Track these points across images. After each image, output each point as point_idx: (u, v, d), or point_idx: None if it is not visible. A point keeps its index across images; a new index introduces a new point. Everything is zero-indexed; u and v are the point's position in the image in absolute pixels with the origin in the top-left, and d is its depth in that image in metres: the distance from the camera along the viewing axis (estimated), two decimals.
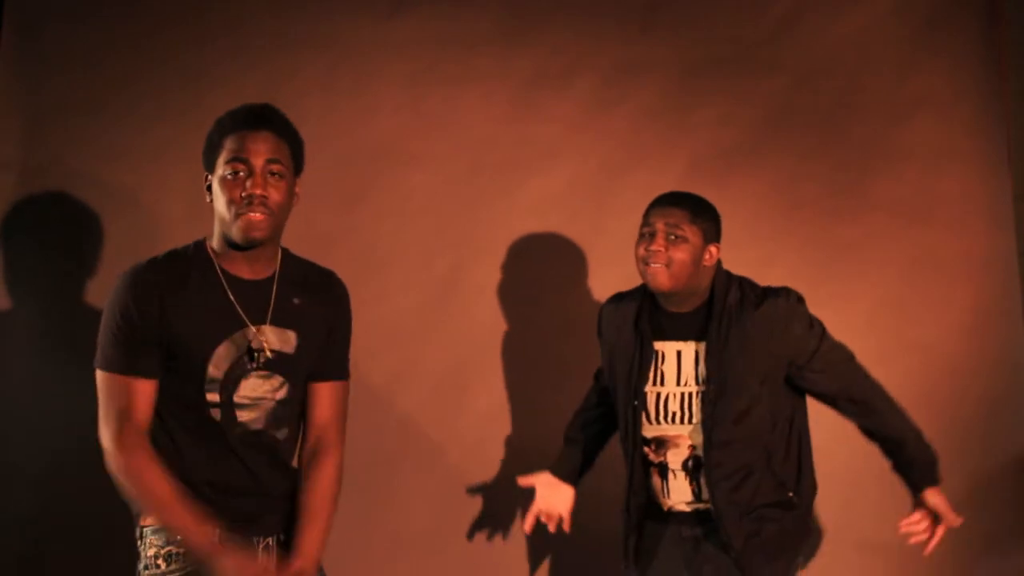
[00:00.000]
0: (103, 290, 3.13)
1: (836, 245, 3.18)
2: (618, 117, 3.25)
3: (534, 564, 3.12)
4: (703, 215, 2.45)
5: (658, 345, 2.47)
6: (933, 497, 2.53)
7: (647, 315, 2.50)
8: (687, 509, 2.46)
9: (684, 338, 2.45)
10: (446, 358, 3.18)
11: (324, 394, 2.13)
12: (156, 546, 2.05)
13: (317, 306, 2.10)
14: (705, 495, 2.41)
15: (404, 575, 3.09)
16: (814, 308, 3.11)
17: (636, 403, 2.46)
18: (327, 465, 2.10)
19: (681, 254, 2.39)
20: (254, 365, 2.02)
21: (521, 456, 3.14)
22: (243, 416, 2.03)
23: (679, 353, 2.46)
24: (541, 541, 3.08)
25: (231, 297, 2.02)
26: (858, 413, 2.52)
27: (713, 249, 2.45)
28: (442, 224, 3.22)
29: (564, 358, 3.15)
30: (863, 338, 3.09)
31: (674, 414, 2.43)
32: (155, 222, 3.19)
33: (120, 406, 1.98)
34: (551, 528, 2.64)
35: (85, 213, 3.18)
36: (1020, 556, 3.04)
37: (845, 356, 2.52)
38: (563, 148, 3.26)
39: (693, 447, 2.42)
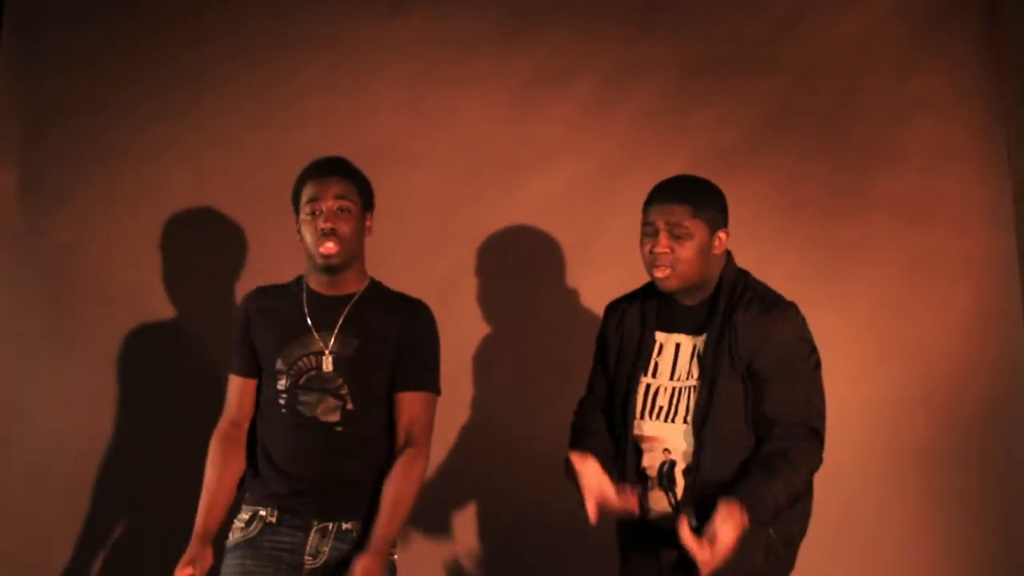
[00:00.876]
0: (103, 290, 3.16)
1: (836, 245, 3.18)
2: (618, 117, 3.25)
3: (534, 564, 3.12)
4: (707, 204, 2.32)
5: (660, 336, 2.36)
6: (726, 514, 2.07)
7: (654, 305, 2.39)
8: (668, 523, 2.24)
9: (686, 331, 2.34)
10: (446, 358, 3.17)
11: (402, 402, 2.42)
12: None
13: (388, 322, 2.43)
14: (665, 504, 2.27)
15: (404, 575, 3.09)
16: (814, 308, 3.10)
17: (631, 395, 2.33)
18: (400, 463, 2.37)
19: (687, 252, 2.26)
20: (314, 364, 2.39)
21: (521, 456, 3.14)
22: (303, 406, 2.37)
23: (678, 346, 2.34)
24: (541, 541, 3.08)
25: (304, 308, 2.43)
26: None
27: (722, 235, 2.33)
28: (442, 224, 3.22)
29: (565, 358, 3.14)
30: (863, 338, 3.11)
31: (661, 408, 2.30)
32: (155, 222, 3.19)
33: (227, 400, 2.49)
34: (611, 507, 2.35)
35: (85, 213, 3.18)
36: (1020, 556, 3.04)
37: (808, 376, 2.29)
38: (563, 148, 3.26)
39: (667, 451, 2.28)
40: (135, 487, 3.09)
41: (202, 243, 3.20)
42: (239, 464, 2.44)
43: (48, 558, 3.05)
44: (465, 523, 3.13)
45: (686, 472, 2.26)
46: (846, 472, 3.05)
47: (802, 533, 2.33)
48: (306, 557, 2.34)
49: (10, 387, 3.11)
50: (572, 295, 3.20)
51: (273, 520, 2.36)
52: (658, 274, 2.29)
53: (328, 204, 2.39)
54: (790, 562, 2.32)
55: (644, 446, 2.31)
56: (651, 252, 2.29)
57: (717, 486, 2.19)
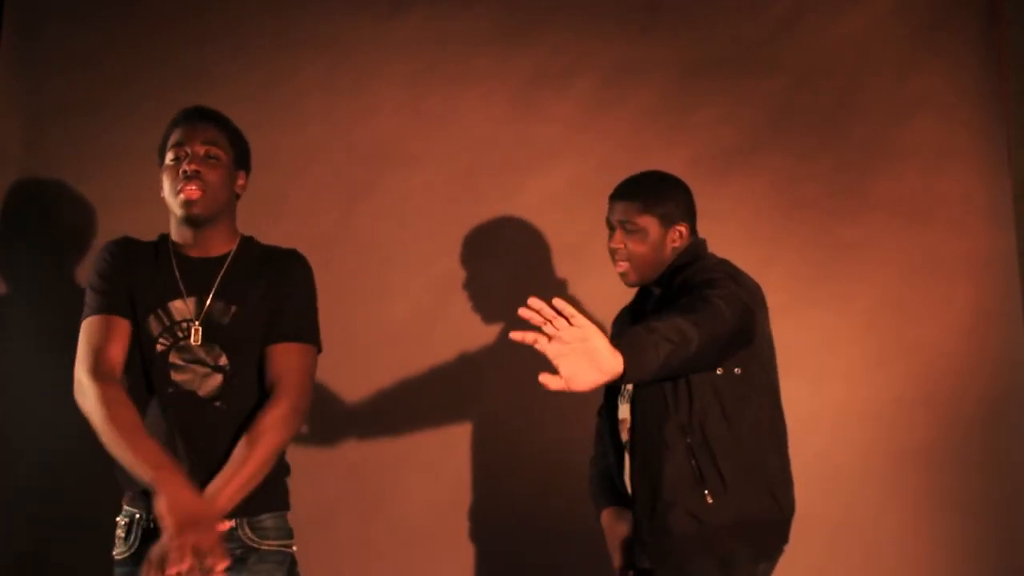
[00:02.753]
0: None
1: (836, 245, 3.18)
2: (618, 117, 3.25)
3: (535, 564, 3.12)
4: (659, 200, 2.39)
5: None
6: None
7: (641, 303, 2.51)
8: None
9: (642, 316, 2.44)
10: (446, 358, 3.18)
11: (272, 355, 2.17)
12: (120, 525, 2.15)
13: (264, 280, 2.20)
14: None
15: (404, 575, 3.09)
16: (814, 308, 3.13)
17: (614, 387, 2.41)
18: (264, 413, 2.09)
19: (639, 247, 2.38)
20: (185, 334, 2.14)
21: (522, 456, 3.14)
22: (176, 378, 2.13)
23: None
24: (542, 541, 3.08)
25: (176, 273, 2.19)
26: None
27: (681, 229, 2.40)
28: (442, 224, 3.22)
29: None
30: (863, 338, 3.11)
31: (626, 391, 2.40)
32: (155, 222, 3.18)
33: (96, 343, 2.16)
34: None
35: (85, 213, 3.18)
36: (1020, 556, 3.04)
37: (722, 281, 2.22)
38: (563, 148, 3.26)
39: (630, 429, 2.36)
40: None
41: None
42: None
43: (48, 558, 3.05)
44: (466, 523, 3.13)
45: (629, 442, 2.35)
46: (846, 472, 3.05)
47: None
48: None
49: (10, 387, 3.11)
50: (572, 295, 3.20)
51: (152, 526, 2.02)
52: (617, 269, 2.44)
53: (195, 148, 2.18)
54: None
55: (623, 427, 2.41)
56: (610, 248, 2.44)
57: (653, 458, 2.25)
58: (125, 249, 2.24)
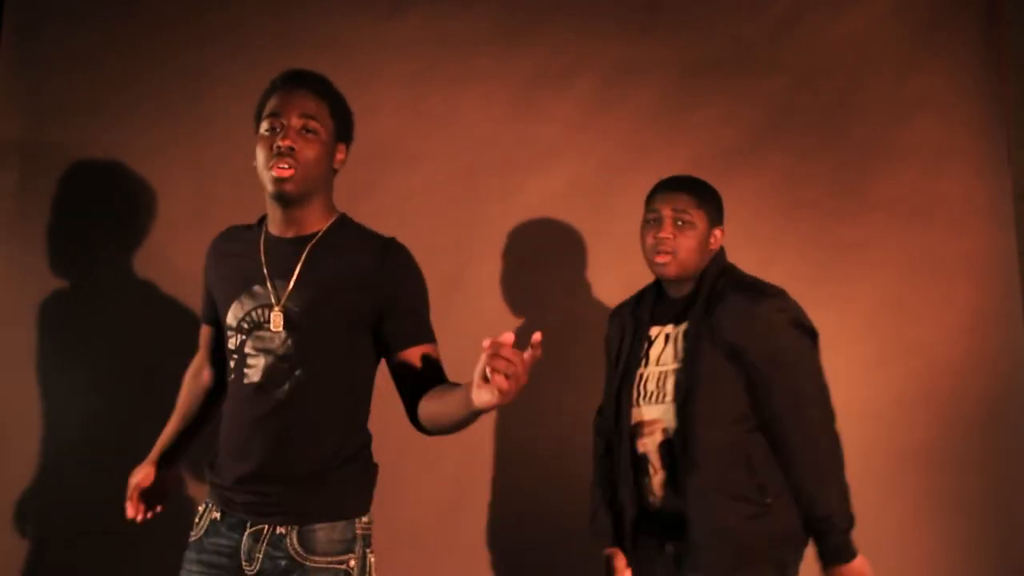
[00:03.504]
0: (103, 289, 3.16)
1: (836, 245, 3.18)
2: (618, 117, 3.25)
3: (535, 564, 3.12)
4: (708, 199, 2.44)
5: (653, 330, 2.44)
6: None
7: (648, 303, 2.49)
8: (668, 509, 2.33)
9: (674, 321, 2.42)
10: (447, 358, 3.17)
11: (413, 359, 2.05)
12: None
13: (353, 266, 2.03)
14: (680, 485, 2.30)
15: (404, 575, 3.09)
16: (814, 308, 3.10)
17: (624, 386, 2.42)
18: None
19: (688, 240, 2.38)
20: (261, 321, 2.02)
21: (522, 457, 3.14)
22: (249, 372, 2.02)
23: (667, 336, 2.41)
24: (542, 540, 3.08)
25: (261, 253, 2.07)
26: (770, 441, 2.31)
27: (718, 232, 2.45)
28: (442, 224, 3.22)
29: (566, 358, 3.15)
30: (863, 338, 3.11)
31: (652, 393, 2.37)
32: (155, 222, 3.19)
33: (199, 349, 2.33)
34: None
35: (85, 213, 3.18)
36: (1020, 556, 3.04)
37: (802, 363, 2.32)
38: (563, 148, 3.26)
39: (666, 430, 2.33)
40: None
41: (202, 243, 3.19)
42: (193, 404, 2.30)
43: (49, 558, 3.05)
44: (466, 522, 3.13)
45: (677, 447, 2.30)
46: (846, 472, 3.05)
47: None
48: (243, 563, 1.99)
49: (10, 387, 3.11)
50: (572, 295, 3.20)
51: (217, 516, 2.04)
52: (659, 260, 2.39)
53: (292, 120, 2.03)
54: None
55: (645, 430, 2.37)
56: (654, 238, 2.39)
57: (709, 464, 2.26)
58: (222, 242, 2.21)
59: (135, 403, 3.15)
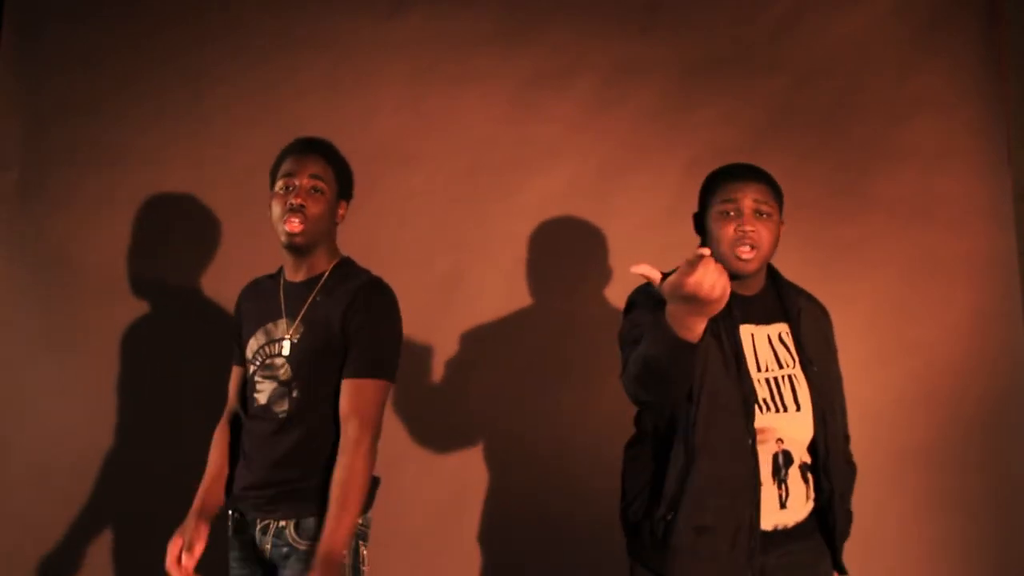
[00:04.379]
0: (103, 290, 3.16)
1: (836, 245, 3.18)
2: (618, 117, 3.25)
3: (534, 564, 3.12)
4: (779, 191, 2.28)
5: (746, 329, 2.23)
6: None
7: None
8: (768, 527, 2.17)
9: (765, 321, 2.25)
10: (447, 358, 3.18)
11: (344, 389, 2.31)
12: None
13: (334, 305, 2.34)
14: (798, 502, 2.18)
15: (404, 575, 3.09)
16: None
17: (748, 392, 2.15)
18: (340, 457, 2.25)
19: (770, 233, 2.21)
20: (275, 351, 2.36)
21: (522, 456, 3.14)
22: (259, 394, 2.36)
23: (768, 337, 2.25)
24: (542, 540, 3.08)
25: (280, 296, 2.42)
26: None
27: (782, 227, 2.30)
28: (442, 224, 3.22)
29: (565, 358, 3.15)
30: (863, 338, 3.11)
31: (764, 400, 2.17)
32: (155, 222, 3.19)
33: (230, 390, 2.51)
34: None
35: (85, 213, 3.18)
36: (1020, 556, 3.04)
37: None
38: (563, 148, 3.26)
39: (780, 440, 2.17)
40: (136, 486, 3.09)
41: (202, 243, 3.20)
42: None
43: (48, 558, 3.05)
44: (465, 522, 3.13)
45: (811, 462, 2.23)
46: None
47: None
48: (257, 552, 2.34)
49: (10, 387, 3.11)
50: (572, 295, 3.20)
51: (238, 516, 2.38)
52: (744, 255, 2.18)
53: (303, 181, 2.36)
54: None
55: (758, 438, 2.16)
56: (738, 230, 2.19)
57: (841, 476, 2.29)
58: (248, 292, 2.52)
59: (135, 403, 3.15)
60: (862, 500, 3.06)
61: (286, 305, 2.39)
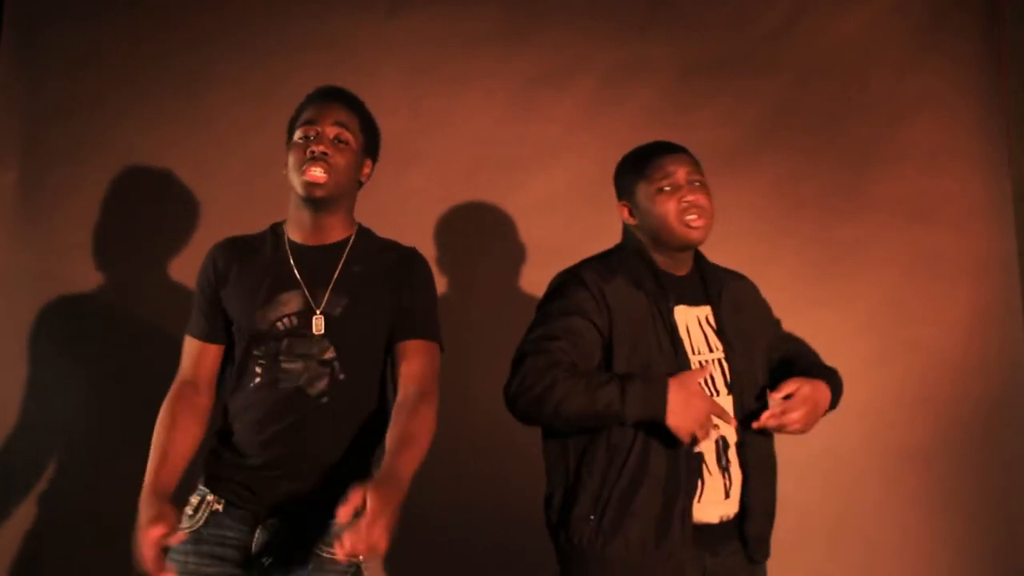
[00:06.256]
0: (103, 290, 3.16)
1: (836, 245, 3.18)
2: (618, 117, 3.25)
3: (533, 564, 3.12)
4: (698, 161, 2.29)
5: (679, 311, 2.20)
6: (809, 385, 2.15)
7: (650, 278, 2.21)
8: (714, 520, 2.13)
9: (694, 303, 2.23)
10: (446, 358, 3.17)
11: (405, 351, 2.11)
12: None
13: (378, 276, 2.13)
14: (735, 491, 2.13)
15: (405, 575, 3.09)
16: (814, 308, 3.13)
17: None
18: (407, 406, 2.02)
19: (709, 201, 2.21)
20: (301, 325, 2.08)
21: (522, 456, 3.13)
22: (286, 375, 2.07)
23: (697, 319, 2.22)
24: (540, 541, 3.08)
25: (291, 261, 2.13)
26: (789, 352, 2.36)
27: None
28: (442, 224, 3.22)
29: None
30: (863, 338, 3.12)
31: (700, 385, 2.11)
32: (155, 222, 3.19)
33: (185, 363, 2.20)
34: None
35: (85, 213, 3.18)
36: (1020, 556, 3.04)
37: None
38: (563, 148, 3.26)
39: (717, 426, 2.12)
40: (135, 487, 3.08)
41: (202, 243, 3.19)
42: (194, 427, 2.12)
43: (48, 558, 3.05)
44: (464, 522, 3.13)
45: (739, 446, 2.16)
46: (846, 472, 3.05)
47: None
48: (255, 555, 2.05)
49: (10, 387, 3.11)
50: None
51: (219, 508, 2.08)
52: (695, 223, 2.18)
53: (326, 128, 2.12)
54: None
55: None
56: (682, 202, 2.19)
57: (763, 464, 2.21)
58: (223, 254, 2.19)
59: (134, 403, 3.15)
60: (862, 500, 3.07)
61: (306, 271, 2.12)
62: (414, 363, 2.09)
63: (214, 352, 2.19)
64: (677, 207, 2.19)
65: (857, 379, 3.09)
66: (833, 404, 2.26)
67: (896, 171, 3.21)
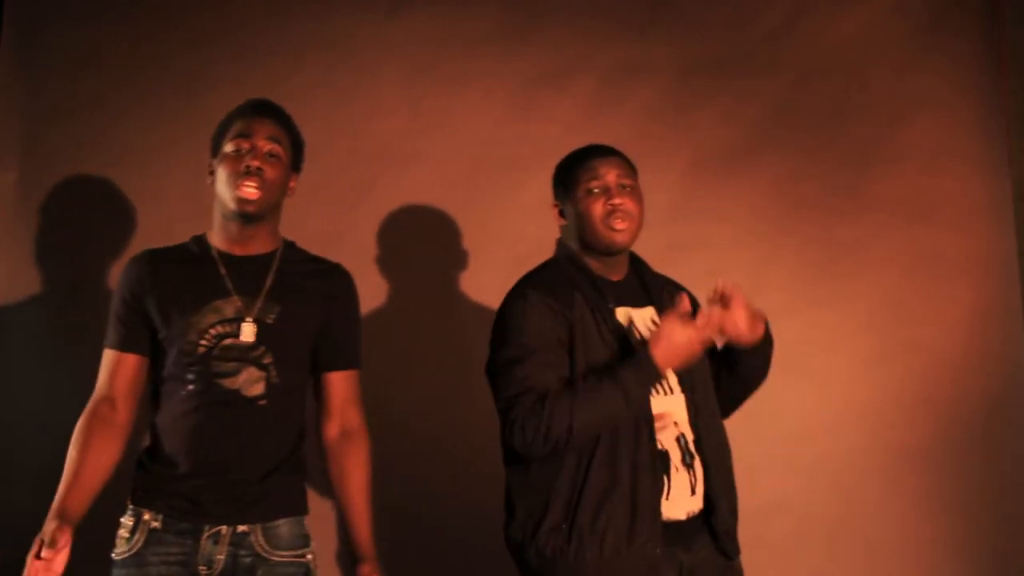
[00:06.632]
0: (103, 289, 3.15)
1: (836, 245, 3.18)
2: (618, 117, 3.25)
3: None
4: (633, 165, 2.31)
5: (623, 312, 2.24)
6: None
7: (588, 285, 2.23)
8: (682, 516, 2.14)
9: (637, 304, 2.26)
10: (446, 358, 3.18)
11: (334, 383, 2.23)
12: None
13: (309, 288, 2.20)
14: (700, 487, 2.15)
15: (405, 575, 3.09)
16: (814, 308, 3.14)
17: None
18: (352, 452, 2.22)
19: (636, 205, 2.23)
20: (232, 331, 2.11)
21: None
22: (222, 378, 2.09)
23: (643, 320, 2.25)
24: None
25: (221, 270, 2.15)
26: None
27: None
28: (441, 224, 3.22)
29: None
30: (863, 338, 3.11)
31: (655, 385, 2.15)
32: (155, 222, 3.19)
33: (102, 378, 2.17)
34: None
35: (85, 213, 3.18)
36: (1020, 556, 3.04)
37: None
38: (563, 148, 3.24)
39: (676, 424, 2.16)
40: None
41: None
42: (109, 448, 2.10)
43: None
44: (462, 523, 3.13)
45: (695, 442, 2.17)
46: (846, 472, 3.05)
47: None
48: (200, 567, 2.04)
49: (10, 387, 3.11)
50: None
51: (158, 525, 2.05)
52: (618, 225, 2.21)
53: (259, 143, 2.14)
54: None
55: (657, 424, 2.15)
56: (608, 205, 2.22)
57: (722, 457, 2.22)
58: (148, 265, 2.19)
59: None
60: (862, 499, 3.07)
61: (237, 279, 2.14)
62: (342, 394, 2.23)
63: (132, 363, 2.16)
64: (603, 209, 2.22)
65: (857, 379, 3.10)
66: (768, 340, 2.26)
67: (896, 171, 3.21)
